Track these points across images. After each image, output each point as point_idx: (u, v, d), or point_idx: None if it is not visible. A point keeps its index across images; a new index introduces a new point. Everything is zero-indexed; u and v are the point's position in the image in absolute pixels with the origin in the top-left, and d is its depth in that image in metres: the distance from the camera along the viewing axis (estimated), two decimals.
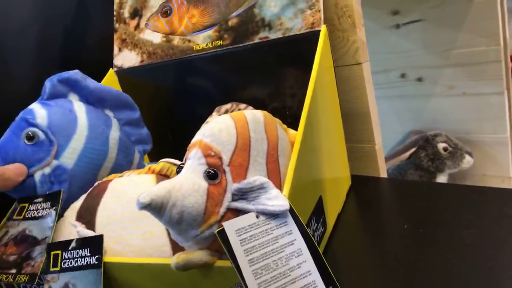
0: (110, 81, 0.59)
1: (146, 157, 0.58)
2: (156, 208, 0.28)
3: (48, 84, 0.45)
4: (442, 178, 0.97)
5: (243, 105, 0.48)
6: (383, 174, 0.56)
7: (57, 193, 0.40)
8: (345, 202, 0.50)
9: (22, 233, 0.40)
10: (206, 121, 0.42)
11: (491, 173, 0.98)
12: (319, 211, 0.41)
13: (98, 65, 0.60)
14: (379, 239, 0.43)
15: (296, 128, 0.39)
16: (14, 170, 0.41)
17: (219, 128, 0.33)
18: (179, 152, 0.38)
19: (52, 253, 0.37)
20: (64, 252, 0.36)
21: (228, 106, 0.46)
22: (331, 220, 0.45)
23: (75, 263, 0.36)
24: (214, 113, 0.43)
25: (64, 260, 0.36)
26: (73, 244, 0.36)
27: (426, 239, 0.40)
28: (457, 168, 0.95)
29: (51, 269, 0.36)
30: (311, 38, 0.47)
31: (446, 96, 0.98)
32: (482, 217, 0.41)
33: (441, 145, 0.95)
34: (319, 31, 0.47)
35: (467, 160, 0.94)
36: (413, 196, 0.49)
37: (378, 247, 0.41)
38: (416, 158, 0.97)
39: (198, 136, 0.33)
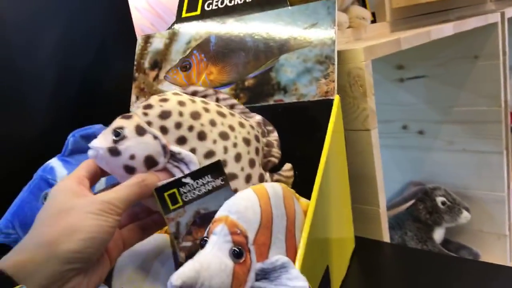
0: None
1: None
2: None
3: (70, 140, 0.45)
4: (439, 231, 0.98)
5: (222, 95, 0.47)
6: (386, 238, 0.57)
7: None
8: (349, 266, 0.51)
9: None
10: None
11: (487, 230, 1.00)
12: (325, 282, 0.42)
13: (114, 112, 0.62)
14: None
15: (305, 191, 0.40)
16: (159, 178, 0.37)
17: (245, 206, 0.33)
18: None
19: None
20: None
21: (200, 88, 0.46)
22: (335, 287, 0.46)
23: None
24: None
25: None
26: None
27: None
28: (454, 222, 0.96)
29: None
30: (324, 105, 0.49)
31: (446, 150, 1.00)
32: None
33: (439, 199, 0.97)
34: (333, 100, 0.49)
35: (465, 216, 0.96)
36: (415, 266, 0.50)
37: None
38: (414, 210, 0.98)
39: (223, 212, 0.33)
